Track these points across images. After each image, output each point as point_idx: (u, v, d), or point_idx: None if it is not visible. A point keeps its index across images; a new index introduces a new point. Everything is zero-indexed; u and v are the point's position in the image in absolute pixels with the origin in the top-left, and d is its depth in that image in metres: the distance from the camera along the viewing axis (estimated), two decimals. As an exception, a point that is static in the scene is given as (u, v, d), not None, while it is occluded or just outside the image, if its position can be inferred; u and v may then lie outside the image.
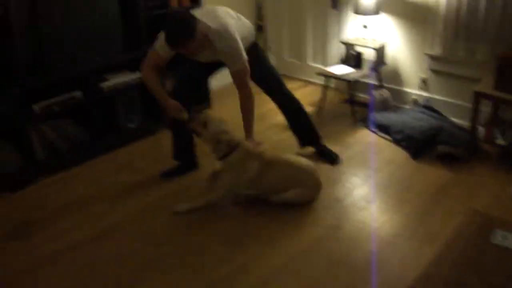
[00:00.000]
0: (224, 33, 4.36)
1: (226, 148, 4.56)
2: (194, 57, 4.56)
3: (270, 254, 4.09)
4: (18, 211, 4.86)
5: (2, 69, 4.98)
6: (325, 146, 5.47)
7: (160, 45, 4.49)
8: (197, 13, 4.40)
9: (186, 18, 4.19)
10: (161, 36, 4.43)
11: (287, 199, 4.59)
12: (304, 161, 4.74)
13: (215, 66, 4.88)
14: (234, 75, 4.55)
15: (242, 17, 4.80)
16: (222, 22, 4.40)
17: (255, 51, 4.91)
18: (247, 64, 4.52)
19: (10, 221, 4.71)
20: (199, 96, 5.41)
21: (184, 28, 4.14)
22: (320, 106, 6.44)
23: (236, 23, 4.60)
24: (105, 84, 5.64)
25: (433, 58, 6.04)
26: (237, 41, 4.42)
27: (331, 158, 5.37)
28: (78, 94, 5.45)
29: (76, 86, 5.46)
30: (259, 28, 7.75)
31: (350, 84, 6.18)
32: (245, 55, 4.50)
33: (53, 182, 5.32)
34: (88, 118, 5.68)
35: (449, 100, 6.05)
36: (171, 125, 5.14)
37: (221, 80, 5.27)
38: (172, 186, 5.10)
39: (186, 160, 5.26)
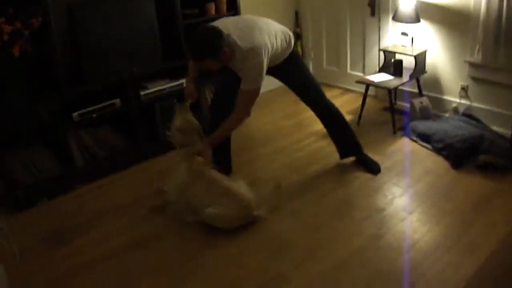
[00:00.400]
0: (250, 55, 4.41)
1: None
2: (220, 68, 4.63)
3: (309, 264, 4.08)
4: (55, 218, 4.94)
5: (43, 78, 5.06)
6: (366, 155, 5.45)
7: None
8: (231, 24, 4.48)
9: (210, 37, 4.29)
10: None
11: (206, 215, 4.50)
12: (242, 189, 4.60)
13: None
14: (242, 93, 4.56)
15: (283, 29, 4.83)
16: (253, 41, 4.43)
17: (295, 59, 4.94)
18: (259, 91, 4.56)
19: (47, 227, 4.78)
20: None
21: (208, 46, 4.28)
22: (359, 115, 6.42)
23: (273, 40, 4.62)
24: (144, 92, 5.68)
25: (473, 65, 5.99)
26: (260, 65, 4.46)
27: (372, 167, 5.35)
28: (116, 102, 5.50)
29: (115, 94, 5.52)
30: (297, 36, 7.76)
31: (390, 92, 6.15)
32: (261, 83, 4.53)
33: (91, 189, 5.39)
34: (127, 126, 5.73)
35: (490, 108, 5.99)
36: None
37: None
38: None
39: (224, 163, 5.29)
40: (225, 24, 4.49)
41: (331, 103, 5.22)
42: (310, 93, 5.10)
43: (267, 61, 4.49)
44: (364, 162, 5.41)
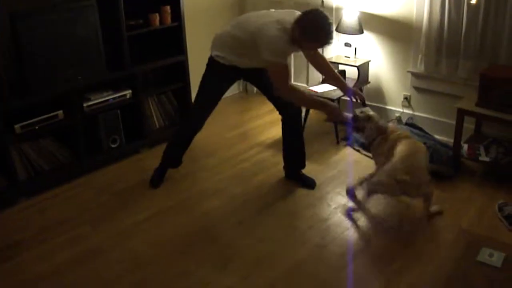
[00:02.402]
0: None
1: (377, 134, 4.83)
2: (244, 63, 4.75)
3: (255, 275, 4.06)
4: (0, 233, 4.81)
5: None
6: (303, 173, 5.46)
7: (283, 54, 4.48)
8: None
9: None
10: (276, 48, 4.39)
11: None
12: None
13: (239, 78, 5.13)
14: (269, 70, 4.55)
15: None
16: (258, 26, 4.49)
17: None
18: (285, 63, 4.54)
19: (-8, 243, 4.66)
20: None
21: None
22: (302, 125, 6.39)
23: None
24: (87, 104, 5.60)
25: (416, 75, 6.05)
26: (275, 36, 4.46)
27: (310, 183, 5.34)
28: (59, 113, 5.41)
29: (58, 105, 5.42)
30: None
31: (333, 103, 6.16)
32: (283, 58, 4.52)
33: (34, 203, 5.25)
34: (70, 138, 5.63)
35: (433, 117, 6.06)
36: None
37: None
38: (154, 207, 5.05)
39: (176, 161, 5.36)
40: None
41: (297, 107, 5.19)
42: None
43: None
44: (300, 180, 5.40)
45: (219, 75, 4.88)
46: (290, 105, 4.99)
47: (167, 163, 5.40)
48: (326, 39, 4.34)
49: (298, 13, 4.49)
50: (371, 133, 4.82)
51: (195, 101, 5.13)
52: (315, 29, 4.30)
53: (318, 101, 4.86)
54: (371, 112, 4.95)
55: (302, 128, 5.35)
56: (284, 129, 5.26)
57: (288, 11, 4.65)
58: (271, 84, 4.57)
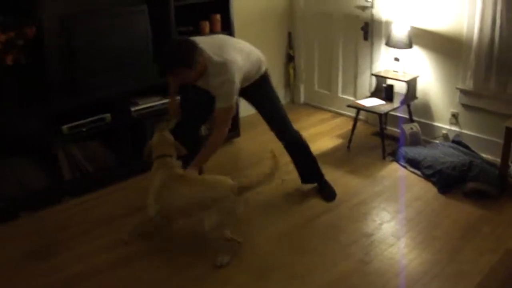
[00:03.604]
0: (223, 70, 4.37)
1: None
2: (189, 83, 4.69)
3: (296, 287, 4.06)
4: (41, 231, 4.88)
5: (34, 89, 5.04)
6: (326, 182, 5.44)
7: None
8: (204, 41, 4.47)
9: (184, 46, 4.26)
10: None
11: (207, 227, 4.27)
12: (220, 177, 4.43)
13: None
14: (217, 111, 4.52)
15: (255, 51, 4.83)
16: (227, 57, 4.42)
17: (264, 85, 4.94)
18: (234, 105, 4.53)
19: (32, 241, 4.73)
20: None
21: (182, 55, 4.23)
22: (349, 139, 6.41)
23: (245, 58, 4.61)
24: (135, 108, 5.66)
25: (464, 92, 6.00)
26: (232, 82, 4.42)
27: (326, 195, 5.34)
28: (107, 116, 5.48)
29: (106, 108, 5.49)
30: (290, 58, 7.76)
31: (381, 117, 6.14)
32: (235, 98, 4.51)
33: (78, 203, 5.35)
34: (116, 141, 5.70)
35: (480, 135, 6.00)
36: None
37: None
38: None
39: None
40: (199, 40, 4.46)
41: (295, 132, 5.17)
42: (275, 123, 5.07)
43: (239, 79, 4.48)
44: (320, 190, 5.41)
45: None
46: (287, 132, 5.09)
47: None
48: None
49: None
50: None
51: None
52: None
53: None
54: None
55: (306, 146, 5.29)
56: (288, 151, 5.29)
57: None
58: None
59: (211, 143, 4.63)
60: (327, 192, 5.34)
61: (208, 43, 4.49)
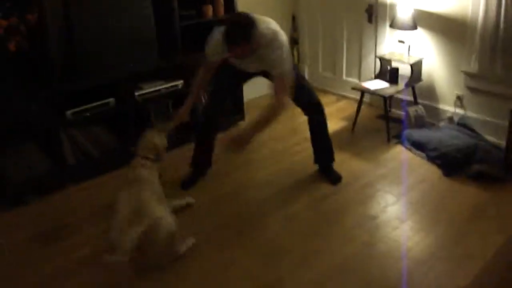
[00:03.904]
0: (274, 38, 4.40)
1: None
2: (238, 62, 4.67)
3: (303, 270, 4.06)
4: (47, 216, 4.92)
5: (37, 73, 5.04)
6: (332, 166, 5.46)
7: (212, 50, 4.60)
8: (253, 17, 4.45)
9: (247, 21, 4.25)
10: (213, 40, 4.57)
11: None
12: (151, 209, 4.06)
13: (248, 76, 4.94)
14: (276, 79, 4.48)
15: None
16: (275, 30, 4.45)
17: None
18: (291, 71, 4.52)
19: (38, 225, 4.77)
20: (230, 107, 5.38)
21: (244, 30, 4.20)
22: (354, 122, 6.40)
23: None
24: (139, 93, 5.66)
25: (469, 75, 5.98)
26: (286, 46, 4.46)
27: (335, 178, 5.36)
28: (111, 101, 5.48)
29: (110, 93, 5.50)
30: (294, 41, 7.75)
31: (385, 100, 6.13)
32: (291, 64, 4.52)
33: (83, 188, 5.38)
34: (120, 126, 5.70)
35: (485, 118, 5.98)
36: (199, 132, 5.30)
37: (255, 91, 5.19)
38: (205, 195, 5.15)
39: (201, 166, 5.38)
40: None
41: (321, 104, 5.19)
42: (302, 96, 5.04)
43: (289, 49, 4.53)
44: (327, 173, 5.42)
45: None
46: (314, 107, 5.08)
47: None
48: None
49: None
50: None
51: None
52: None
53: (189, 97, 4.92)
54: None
55: (323, 124, 5.26)
56: (309, 124, 5.27)
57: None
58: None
59: (267, 119, 4.56)
60: (334, 175, 5.35)
61: (257, 19, 4.48)
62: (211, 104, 5.13)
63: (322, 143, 5.34)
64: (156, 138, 4.58)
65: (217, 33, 4.47)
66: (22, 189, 5.12)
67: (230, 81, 5.01)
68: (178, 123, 4.91)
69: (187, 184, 5.31)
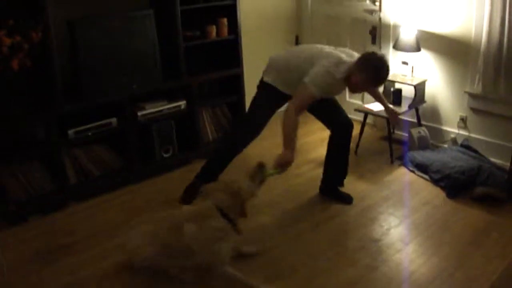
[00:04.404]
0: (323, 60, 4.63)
1: None
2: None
3: (305, 294, 4.03)
4: (47, 235, 4.89)
5: (40, 93, 5.06)
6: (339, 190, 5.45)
7: (320, 87, 4.52)
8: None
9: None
10: (321, 77, 4.52)
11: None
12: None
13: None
14: (300, 85, 4.58)
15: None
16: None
17: None
18: (316, 90, 4.55)
19: (38, 245, 4.73)
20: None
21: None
22: (357, 143, 6.38)
23: None
24: (142, 113, 5.65)
25: (473, 96, 5.97)
26: (325, 73, 4.57)
27: (347, 198, 5.35)
28: (113, 121, 5.47)
29: (112, 112, 5.50)
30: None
31: (388, 121, 6.11)
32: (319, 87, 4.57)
33: (84, 207, 5.36)
34: (122, 146, 5.70)
35: (489, 139, 5.97)
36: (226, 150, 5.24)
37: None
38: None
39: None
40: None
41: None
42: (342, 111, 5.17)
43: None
44: (338, 195, 5.39)
45: (269, 97, 4.97)
46: (344, 120, 5.07)
47: (203, 178, 5.22)
48: (381, 82, 4.75)
49: (356, 54, 4.72)
50: None
51: (243, 123, 5.21)
52: (375, 73, 4.53)
53: (290, 140, 4.57)
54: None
55: (349, 145, 5.28)
56: (332, 143, 5.24)
57: (347, 51, 4.80)
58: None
59: (285, 127, 4.59)
60: (344, 196, 5.35)
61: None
62: (248, 138, 5.15)
63: (340, 163, 5.33)
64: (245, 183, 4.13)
65: (332, 66, 4.55)
66: (24, 207, 5.11)
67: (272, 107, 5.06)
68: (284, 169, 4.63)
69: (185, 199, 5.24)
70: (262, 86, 4.98)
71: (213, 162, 5.25)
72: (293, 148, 4.56)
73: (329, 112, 5.03)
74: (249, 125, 5.12)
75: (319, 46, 4.91)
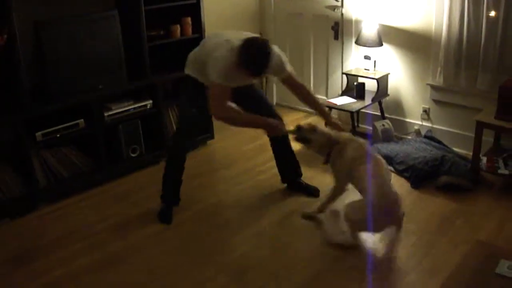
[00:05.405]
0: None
1: (330, 146, 4.67)
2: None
3: (272, 287, 4.08)
4: (19, 238, 4.86)
5: (7, 96, 5.04)
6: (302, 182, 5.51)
7: (224, 76, 4.32)
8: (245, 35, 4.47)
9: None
10: (218, 68, 4.33)
11: None
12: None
13: None
14: (289, 76, 4.80)
15: None
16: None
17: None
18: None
19: (10, 248, 4.71)
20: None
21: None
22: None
23: None
24: (108, 113, 5.66)
25: (435, 88, 6.07)
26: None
27: (313, 190, 5.41)
28: (80, 122, 5.47)
29: (79, 114, 5.49)
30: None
31: (352, 115, 6.19)
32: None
33: (54, 209, 5.33)
34: (90, 147, 5.70)
35: (452, 130, 6.08)
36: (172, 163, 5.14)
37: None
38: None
39: (173, 200, 5.22)
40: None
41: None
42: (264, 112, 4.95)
43: None
44: (302, 188, 5.46)
45: (189, 94, 4.92)
46: (269, 114, 4.99)
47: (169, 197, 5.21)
48: (256, 71, 4.31)
49: (247, 34, 4.50)
50: (319, 146, 4.73)
51: (176, 131, 5.28)
52: (251, 59, 4.21)
53: (257, 120, 4.66)
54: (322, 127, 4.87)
55: (287, 138, 5.28)
56: (270, 139, 5.30)
57: (237, 32, 4.72)
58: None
59: (236, 122, 4.71)
60: (309, 188, 5.41)
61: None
62: (190, 134, 5.16)
63: (288, 158, 5.40)
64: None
65: (224, 51, 4.36)
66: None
67: (194, 105, 4.91)
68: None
69: (162, 218, 5.12)
70: (184, 80, 4.90)
71: (168, 178, 5.18)
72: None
73: (255, 108, 4.83)
74: (180, 131, 5.07)
75: (219, 32, 4.82)
